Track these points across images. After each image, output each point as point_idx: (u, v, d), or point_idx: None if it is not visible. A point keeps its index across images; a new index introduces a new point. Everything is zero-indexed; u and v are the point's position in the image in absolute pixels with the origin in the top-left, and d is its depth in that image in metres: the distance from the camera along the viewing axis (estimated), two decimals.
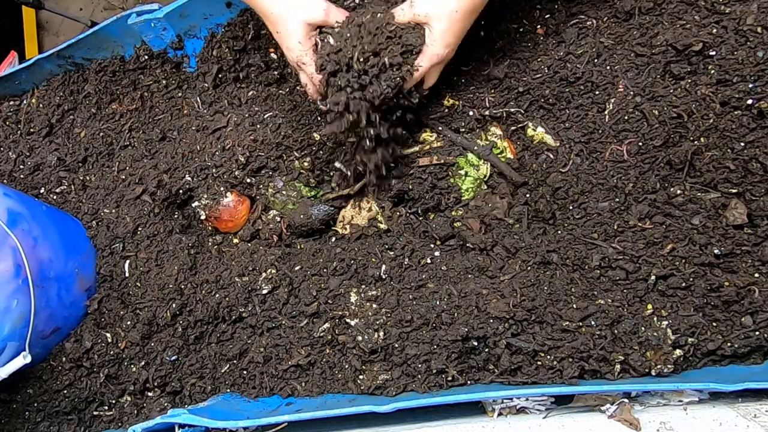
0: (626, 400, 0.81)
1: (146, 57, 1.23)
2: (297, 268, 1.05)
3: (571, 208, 0.95)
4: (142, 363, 1.05)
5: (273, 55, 1.13)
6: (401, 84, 0.88)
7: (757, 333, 0.83)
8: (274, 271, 1.04)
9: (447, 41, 0.87)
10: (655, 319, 0.87)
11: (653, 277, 0.88)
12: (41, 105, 1.30)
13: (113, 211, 1.15)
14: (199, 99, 1.19)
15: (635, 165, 0.91)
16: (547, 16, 1.01)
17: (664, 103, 0.89)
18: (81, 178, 1.22)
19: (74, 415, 1.08)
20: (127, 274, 1.11)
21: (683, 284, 0.87)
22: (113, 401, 1.07)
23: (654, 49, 0.91)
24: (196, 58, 1.20)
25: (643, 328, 0.86)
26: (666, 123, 0.89)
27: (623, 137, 0.92)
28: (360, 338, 0.94)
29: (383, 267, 0.99)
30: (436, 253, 0.99)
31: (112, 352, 1.06)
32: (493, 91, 1.00)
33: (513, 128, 1.00)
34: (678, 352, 0.84)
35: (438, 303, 0.93)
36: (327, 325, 0.99)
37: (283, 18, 0.91)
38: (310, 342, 0.99)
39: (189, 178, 1.11)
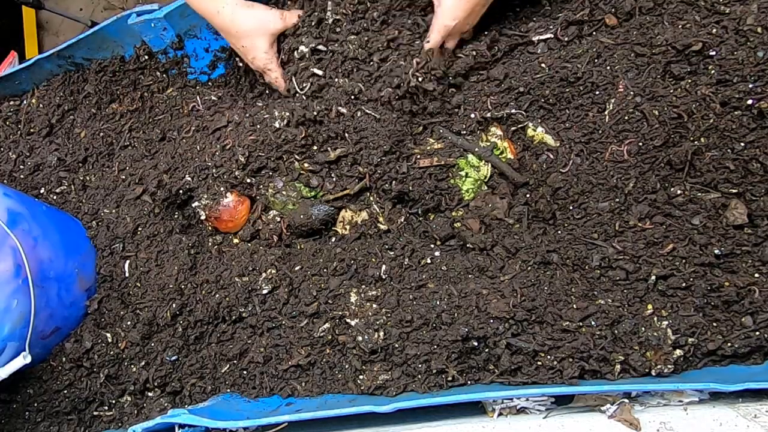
0: (626, 400, 0.81)
1: (146, 57, 1.23)
2: (297, 268, 1.05)
3: (571, 208, 0.95)
4: (142, 363, 1.05)
5: None
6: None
7: (757, 333, 0.83)
8: (274, 271, 1.04)
9: (455, 14, 0.91)
10: (655, 319, 0.87)
11: (653, 277, 0.88)
12: (41, 105, 1.30)
13: (113, 211, 1.15)
14: (199, 99, 1.19)
15: (635, 165, 0.91)
16: (547, 16, 1.01)
17: (664, 103, 0.89)
18: (81, 178, 1.22)
19: (74, 415, 1.08)
20: (127, 274, 1.11)
21: (683, 284, 0.87)
22: (113, 401, 1.07)
23: (654, 49, 0.91)
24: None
25: (643, 328, 0.86)
26: (666, 123, 0.89)
27: (623, 137, 0.92)
28: (360, 338, 0.94)
29: (383, 267, 0.99)
30: (437, 253, 0.99)
31: (112, 352, 1.06)
32: (493, 92, 1.00)
33: (513, 129, 1.00)
34: (678, 352, 0.84)
35: (438, 303, 0.93)
36: (327, 325, 0.99)
37: (247, 34, 1.02)
38: (310, 342, 0.99)
39: (189, 178, 1.11)
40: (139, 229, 1.13)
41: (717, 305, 0.86)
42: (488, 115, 0.99)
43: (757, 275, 0.85)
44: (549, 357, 0.86)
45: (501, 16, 1.02)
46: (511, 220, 0.97)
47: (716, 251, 0.86)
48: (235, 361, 1.04)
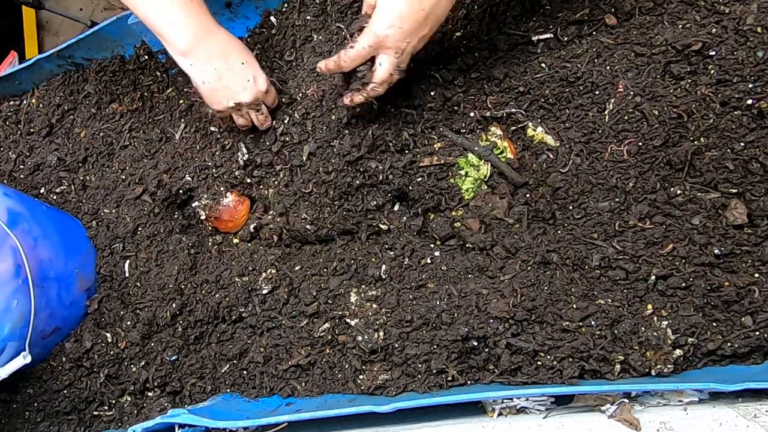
0: (626, 400, 0.81)
1: (146, 57, 1.24)
2: (297, 268, 1.05)
3: (571, 208, 0.95)
4: (142, 363, 1.05)
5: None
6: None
7: (757, 333, 0.83)
8: (274, 271, 1.04)
9: (389, 21, 0.78)
10: (655, 319, 0.87)
11: (653, 277, 0.88)
12: (41, 105, 1.30)
13: (113, 211, 1.15)
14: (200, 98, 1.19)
15: (635, 165, 0.91)
16: (547, 16, 1.01)
17: (664, 103, 0.89)
18: (81, 178, 1.22)
19: (74, 415, 1.08)
20: (127, 274, 1.11)
21: (683, 284, 0.87)
22: (113, 401, 1.07)
23: (654, 49, 0.91)
24: None
25: (643, 328, 0.86)
26: (666, 123, 0.89)
27: (623, 137, 0.92)
28: (360, 338, 0.94)
29: (383, 267, 0.99)
30: (436, 253, 0.99)
31: (112, 352, 1.06)
32: (493, 91, 1.00)
33: (513, 128, 1.00)
34: (678, 352, 0.84)
35: (438, 303, 0.93)
36: (327, 325, 0.99)
37: (246, 49, 0.97)
38: (310, 342, 0.99)
39: (189, 178, 1.11)
40: (139, 229, 1.13)
41: (717, 305, 0.86)
42: (488, 114, 0.99)
43: (757, 275, 0.85)
44: (549, 357, 0.86)
45: (501, 16, 1.02)
46: (511, 220, 0.97)
47: (716, 251, 0.86)
48: (235, 361, 1.04)
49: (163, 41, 0.93)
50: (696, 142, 0.88)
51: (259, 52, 1.15)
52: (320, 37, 1.07)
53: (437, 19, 0.82)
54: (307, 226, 1.03)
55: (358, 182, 0.99)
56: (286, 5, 1.14)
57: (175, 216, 1.14)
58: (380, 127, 0.97)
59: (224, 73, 0.95)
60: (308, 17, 1.10)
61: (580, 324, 0.87)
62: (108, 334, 1.07)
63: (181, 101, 1.21)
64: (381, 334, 0.93)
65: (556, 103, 0.97)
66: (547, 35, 0.99)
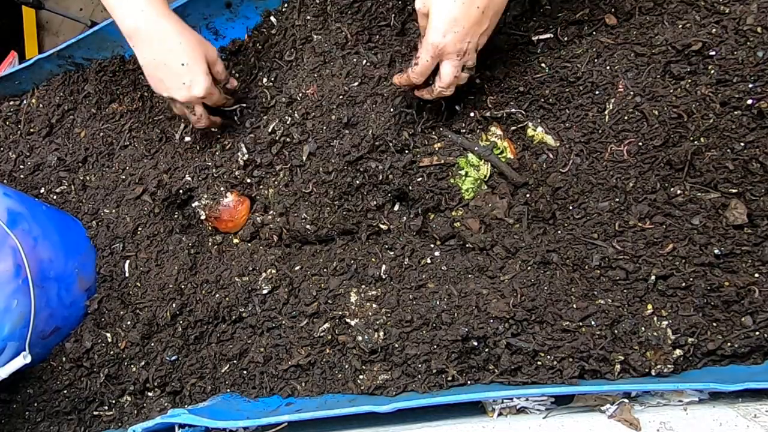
0: (626, 400, 0.81)
1: None
2: (297, 268, 1.05)
3: (571, 208, 0.95)
4: (142, 363, 1.06)
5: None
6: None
7: (757, 333, 0.83)
8: (274, 271, 1.04)
9: (444, 29, 0.79)
10: (655, 319, 0.87)
11: (653, 277, 0.88)
12: (41, 105, 1.30)
13: (113, 211, 1.15)
14: None
15: (635, 165, 0.91)
16: (547, 16, 1.01)
17: (664, 103, 0.89)
18: (81, 178, 1.22)
19: (74, 415, 1.08)
20: (127, 274, 1.11)
21: (683, 284, 0.87)
22: (113, 401, 1.07)
23: (654, 49, 0.91)
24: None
25: (643, 328, 0.86)
26: (666, 123, 0.89)
27: (623, 137, 0.92)
28: (360, 338, 0.94)
29: (383, 267, 0.99)
30: (436, 253, 0.99)
31: (112, 352, 1.06)
32: (493, 91, 1.00)
33: (513, 128, 1.00)
34: (678, 352, 0.84)
35: (438, 303, 0.93)
36: (327, 325, 0.99)
37: (193, 47, 0.94)
38: (310, 342, 0.99)
39: (189, 178, 1.11)
40: (139, 229, 1.13)
41: (717, 305, 0.86)
42: (488, 114, 0.99)
43: (757, 275, 0.85)
44: (549, 357, 0.86)
45: (501, 16, 1.02)
46: (510, 220, 0.97)
47: (716, 251, 0.86)
48: (235, 361, 1.04)
49: (114, 19, 0.95)
50: (696, 142, 0.88)
51: (259, 52, 1.15)
52: (320, 37, 1.07)
53: (497, 12, 0.82)
54: (307, 226, 1.03)
55: (358, 182, 0.99)
56: (286, 5, 1.14)
57: (175, 216, 1.14)
58: (380, 127, 0.97)
59: (161, 66, 0.95)
60: (308, 17, 1.10)
61: (580, 324, 0.87)
62: (108, 334, 1.07)
63: None
64: (381, 334, 0.93)
65: (556, 103, 0.97)
66: (547, 35, 0.99)
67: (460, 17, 0.79)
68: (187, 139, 1.14)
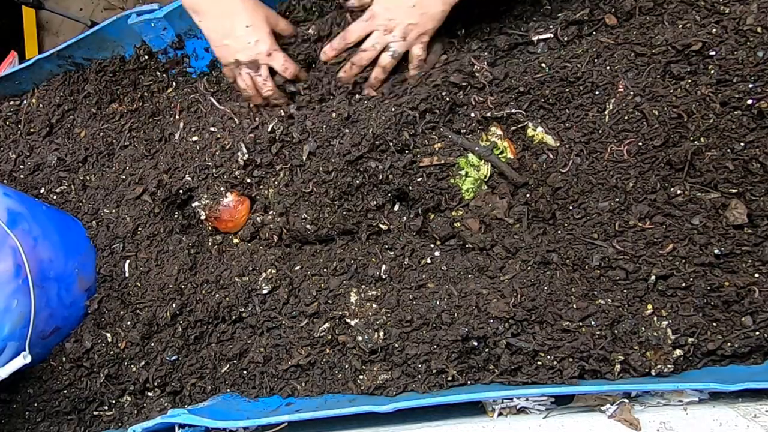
0: (626, 400, 0.81)
1: (146, 57, 1.23)
2: (297, 268, 1.05)
3: (571, 208, 0.95)
4: (142, 363, 1.06)
5: None
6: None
7: (757, 333, 0.83)
8: (274, 271, 1.04)
9: (383, 2, 0.93)
10: (655, 319, 0.87)
11: (653, 277, 0.88)
12: (41, 105, 1.30)
13: (113, 211, 1.15)
14: (199, 98, 1.19)
15: (635, 165, 0.91)
16: (547, 16, 1.01)
17: (664, 103, 0.89)
18: (81, 178, 1.22)
19: (74, 415, 1.08)
20: (127, 274, 1.11)
21: (683, 284, 0.87)
22: (113, 401, 1.07)
23: (654, 49, 0.91)
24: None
25: (643, 328, 0.86)
26: (666, 123, 0.89)
27: (623, 137, 0.92)
28: (360, 338, 0.94)
29: (383, 267, 0.99)
30: (436, 253, 0.99)
31: (112, 352, 1.06)
32: (493, 91, 1.00)
33: (513, 128, 1.00)
34: (678, 352, 0.84)
35: (438, 303, 0.93)
36: (327, 325, 0.99)
37: (254, 9, 1.01)
38: (310, 342, 0.99)
39: (189, 178, 1.11)
40: (139, 229, 1.13)
41: (717, 305, 0.86)
42: (488, 114, 0.99)
43: (756, 275, 0.85)
44: (549, 357, 0.86)
45: (501, 16, 1.02)
46: (511, 220, 0.97)
47: (716, 251, 0.86)
48: (235, 361, 1.04)
49: None
50: (696, 142, 0.88)
51: None
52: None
53: (430, 17, 0.93)
54: (307, 226, 1.03)
55: (358, 182, 0.99)
56: (285, 5, 1.14)
57: (175, 216, 1.14)
58: (380, 127, 0.97)
59: (228, 33, 1.01)
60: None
61: (580, 324, 0.87)
62: (108, 334, 1.07)
63: (181, 101, 1.21)
64: (381, 334, 0.93)
65: (556, 103, 0.97)
66: (547, 35, 0.99)
67: (397, 2, 0.93)
68: (194, 138, 1.14)
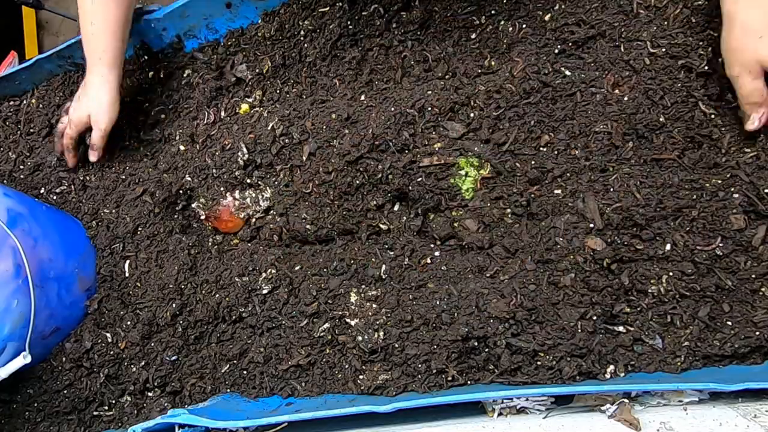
0: (626, 400, 0.81)
1: (146, 57, 1.23)
2: (297, 268, 1.05)
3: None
4: (142, 363, 1.06)
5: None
6: None
7: (757, 333, 0.83)
8: (274, 271, 1.04)
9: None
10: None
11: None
12: (41, 105, 1.30)
13: (113, 211, 1.15)
14: (201, 98, 1.19)
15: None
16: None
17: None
18: (81, 178, 1.22)
19: (74, 415, 1.08)
20: (127, 274, 1.11)
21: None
22: (113, 401, 1.07)
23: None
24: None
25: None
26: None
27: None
28: (360, 338, 0.94)
29: (383, 267, 0.99)
30: (436, 253, 0.99)
31: (112, 352, 1.06)
32: None
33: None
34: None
35: (438, 303, 0.93)
36: (327, 325, 0.99)
37: (110, 102, 1.12)
38: (310, 342, 0.99)
39: (189, 178, 1.11)
40: (139, 229, 1.13)
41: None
42: None
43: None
44: (549, 357, 0.86)
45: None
46: (510, 220, 0.97)
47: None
48: (235, 361, 1.04)
49: None
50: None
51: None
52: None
53: None
54: (307, 226, 1.03)
55: (358, 182, 0.99)
56: (284, 6, 1.14)
57: (175, 216, 1.14)
58: (380, 127, 0.97)
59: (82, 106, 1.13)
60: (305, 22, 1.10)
61: (580, 324, 0.87)
62: (108, 334, 1.07)
63: (181, 101, 1.21)
64: (381, 334, 0.93)
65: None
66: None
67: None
68: (194, 139, 1.14)
